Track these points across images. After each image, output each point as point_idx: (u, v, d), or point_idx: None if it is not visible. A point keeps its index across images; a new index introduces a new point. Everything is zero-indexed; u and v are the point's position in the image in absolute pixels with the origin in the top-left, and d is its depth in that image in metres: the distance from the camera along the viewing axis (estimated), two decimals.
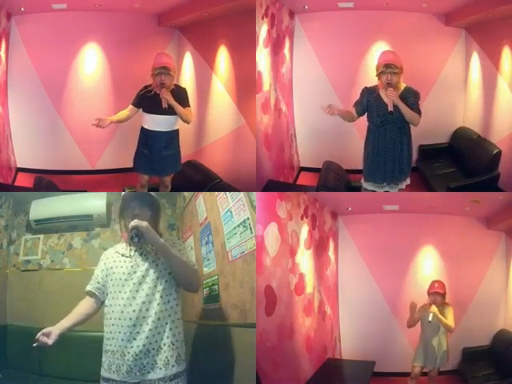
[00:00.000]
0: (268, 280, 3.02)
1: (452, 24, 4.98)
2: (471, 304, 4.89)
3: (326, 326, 4.61)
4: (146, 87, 3.57)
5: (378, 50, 4.80)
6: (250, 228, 2.73)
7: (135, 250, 2.42)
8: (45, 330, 2.22)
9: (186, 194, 4.13)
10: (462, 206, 4.47)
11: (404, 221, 4.98)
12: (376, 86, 3.33)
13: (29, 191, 4.44)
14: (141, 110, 3.62)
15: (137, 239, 2.29)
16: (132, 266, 2.37)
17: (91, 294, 2.43)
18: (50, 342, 2.20)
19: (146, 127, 3.64)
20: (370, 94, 3.33)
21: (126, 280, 2.34)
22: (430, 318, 3.81)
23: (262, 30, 4.14)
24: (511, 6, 3.84)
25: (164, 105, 3.46)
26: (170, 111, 3.52)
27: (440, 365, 3.97)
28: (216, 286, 3.22)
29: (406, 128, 3.32)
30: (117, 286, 2.34)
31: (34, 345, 2.19)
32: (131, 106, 3.64)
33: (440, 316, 3.83)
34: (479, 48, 4.84)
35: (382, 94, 3.26)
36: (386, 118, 3.26)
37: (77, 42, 5.02)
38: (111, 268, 2.41)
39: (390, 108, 3.17)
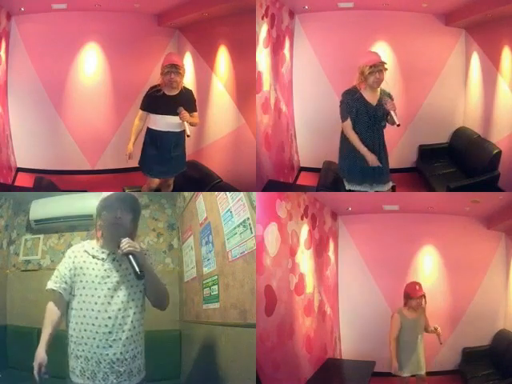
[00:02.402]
0: (268, 280, 3.02)
1: (452, 24, 4.98)
2: (471, 304, 4.89)
3: (326, 325, 4.60)
4: (153, 87, 3.55)
5: (377, 50, 4.81)
6: (250, 228, 2.73)
7: (108, 254, 2.32)
8: (40, 360, 2.12)
9: (185, 194, 4.13)
10: (462, 206, 4.47)
11: (404, 221, 4.98)
12: (354, 87, 3.31)
13: (29, 191, 4.44)
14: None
15: (143, 275, 2.18)
16: (105, 270, 2.28)
17: (56, 294, 2.29)
18: (48, 374, 2.14)
19: (154, 128, 3.61)
20: (352, 95, 3.30)
21: (99, 283, 2.25)
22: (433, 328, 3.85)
23: (262, 30, 4.14)
24: (511, 6, 3.85)
25: (187, 133, 3.49)
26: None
27: (422, 369, 3.88)
28: (216, 286, 3.22)
29: (381, 130, 3.34)
30: (89, 289, 2.24)
31: (37, 376, 2.11)
32: (141, 112, 3.61)
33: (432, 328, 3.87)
34: (479, 48, 4.84)
35: (365, 94, 3.27)
36: (371, 118, 3.26)
37: (77, 42, 5.02)
38: (81, 268, 2.29)
39: (398, 122, 3.20)
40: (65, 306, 2.30)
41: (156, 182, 3.80)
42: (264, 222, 3.00)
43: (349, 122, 3.29)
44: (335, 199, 4.49)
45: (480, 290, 4.91)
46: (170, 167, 3.72)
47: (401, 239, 5.02)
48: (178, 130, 3.62)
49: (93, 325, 2.20)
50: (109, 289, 2.24)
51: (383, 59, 3.24)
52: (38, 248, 4.46)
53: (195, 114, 3.63)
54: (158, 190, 3.93)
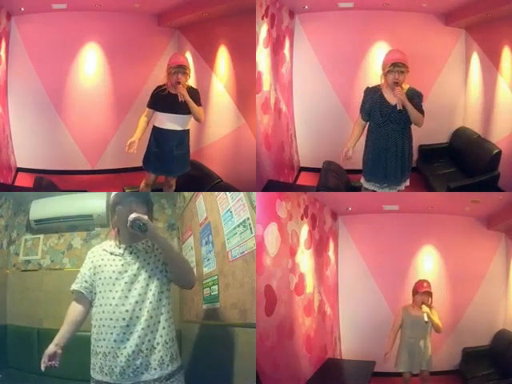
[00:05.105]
0: (268, 280, 3.02)
1: (452, 24, 4.98)
2: (471, 304, 4.89)
3: (326, 325, 4.61)
4: (159, 87, 3.59)
5: (377, 50, 4.84)
6: (250, 228, 2.73)
7: (125, 249, 2.34)
8: (48, 352, 2.19)
9: (185, 194, 4.13)
10: (462, 206, 4.47)
11: (404, 221, 4.98)
12: (378, 85, 3.30)
13: (29, 191, 4.44)
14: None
15: (145, 228, 2.17)
16: (123, 265, 2.29)
17: (78, 294, 2.34)
18: (57, 363, 2.19)
19: (158, 126, 3.64)
20: (373, 93, 3.30)
21: (116, 279, 2.26)
22: (425, 319, 3.71)
23: (262, 30, 4.15)
24: (511, 6, 3.85)
25: (180, 98, 3.47)
26: (184, 110, 3.54)
27: (427, 367, 3.88)
28: (216, 286, 3.22)
29: (408, 129, 3.29)
30: (107, 285, 2.26)
31: (43, 368, 2.16)
32: (148, 110, 3.64)
33: (432, 316, 3.75)
34: (479, 48, 4.84)
35: (386, 92, 3.23)
36: (389, 118, 3.23)
37: (77, 42, 5.03)
38: (99, 266, 2.32)
39: (399, 106, 3.15)
40: (87, 305, 2.34)
41: (152, 178, 3.78)
42: (264, 221, 3.00)
43: (358, 118, 3.37)
44: (335, 199, 4.49)
45: (480, 289, 4.91)
46: (172, 166, 3.71)
47: (401, 239, 5.02)
48: (182, 129, 3.64)
49: (110, 319, 2.22)
50: (126, 283, 2.26)
51: (405, 59, 3.16)
52: (38, 248, 4.46)
53: (201, 108, 3.63)
54: (159, 189, 3.93)
